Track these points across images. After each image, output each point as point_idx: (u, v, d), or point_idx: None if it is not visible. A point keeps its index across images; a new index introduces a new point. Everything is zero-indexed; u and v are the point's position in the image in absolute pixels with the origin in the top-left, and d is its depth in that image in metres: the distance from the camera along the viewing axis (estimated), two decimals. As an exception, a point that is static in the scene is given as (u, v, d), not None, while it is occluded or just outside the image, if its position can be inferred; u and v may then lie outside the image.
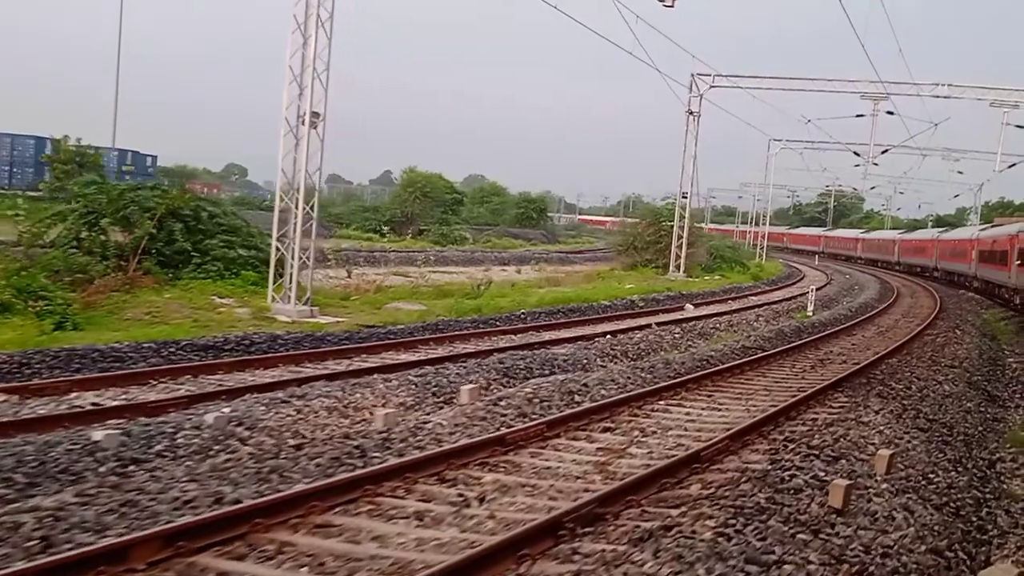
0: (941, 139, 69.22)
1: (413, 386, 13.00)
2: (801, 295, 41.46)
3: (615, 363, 17.78)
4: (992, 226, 47.67)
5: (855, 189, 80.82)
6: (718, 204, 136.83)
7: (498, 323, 21.85)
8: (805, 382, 15.73)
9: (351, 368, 14.35)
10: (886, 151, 48.50)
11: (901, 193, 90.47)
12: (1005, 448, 14.87)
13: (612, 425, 11.30)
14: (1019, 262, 33.54)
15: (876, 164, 66.88)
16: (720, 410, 12.95)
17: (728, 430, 11.04)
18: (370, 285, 25.98)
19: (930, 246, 60.14)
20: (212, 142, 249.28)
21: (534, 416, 11.31)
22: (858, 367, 17.69)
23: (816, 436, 10.78)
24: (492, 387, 14.01)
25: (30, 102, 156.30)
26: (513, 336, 20.29)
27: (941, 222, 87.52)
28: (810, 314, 31.51)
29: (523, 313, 23.68)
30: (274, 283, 19.77)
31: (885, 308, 36.33)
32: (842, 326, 27.21)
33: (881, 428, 11.76)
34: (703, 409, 12.94)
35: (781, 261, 78.97)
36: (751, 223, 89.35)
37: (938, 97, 43.17)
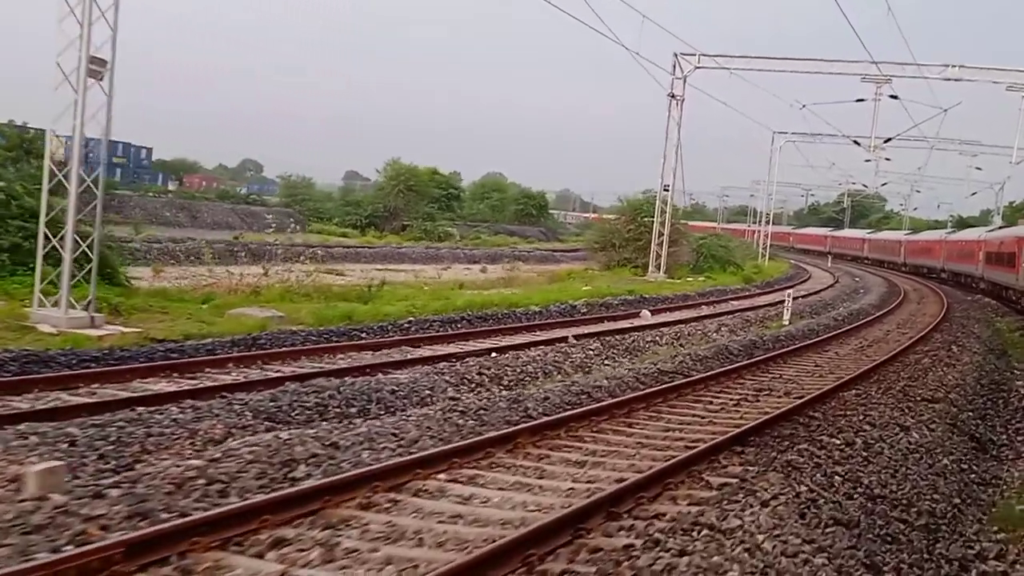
0: (955, 132, 63.21)
1: (67, 447, 8.31)
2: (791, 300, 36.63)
3: (472, 394, 13.08)
4: (1000, 228, 46.00)
5: (865, 186, 75.17)
6: (734, 203, 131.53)
7: (364, 335, 17.15)
8: (704, 432, 10.89)
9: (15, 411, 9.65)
10: (889, 140, 43.14)
11: (918, 191, 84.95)
12: (989, 533, 9.98)
13: (292, 535, 6.54)
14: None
15: (888, 160, 61.73)
16: (528, 491, 8.15)
17: (485, 543, 6.29)
18: (247, 285, 21.35)
19: (937, 247, 57.65)
20: (230, 141, 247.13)
21: (163, 518, 6.57)
22: (797, 404, 12.81)
23: (618, 570, 5.96)
24: (236, 434, 9.31)
25: (30, 101, 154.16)
26: (371, 352, 15.58)
27: (963, 224, 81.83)
28: (786, 323, 26.65)
29: (409, 322, 18.95)
30: (42, 282, 15.05)
31: (881, 315, 31.44)
32: (816, 339, 22.33)
33: (760, 541, 6.88)
34: (502, 488, 8.15)
35: (791, 262, 73.91)
36: (758, 222, 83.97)
37: (948, 80, 37.93)
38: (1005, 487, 12.06)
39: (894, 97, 38.18)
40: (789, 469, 8.99)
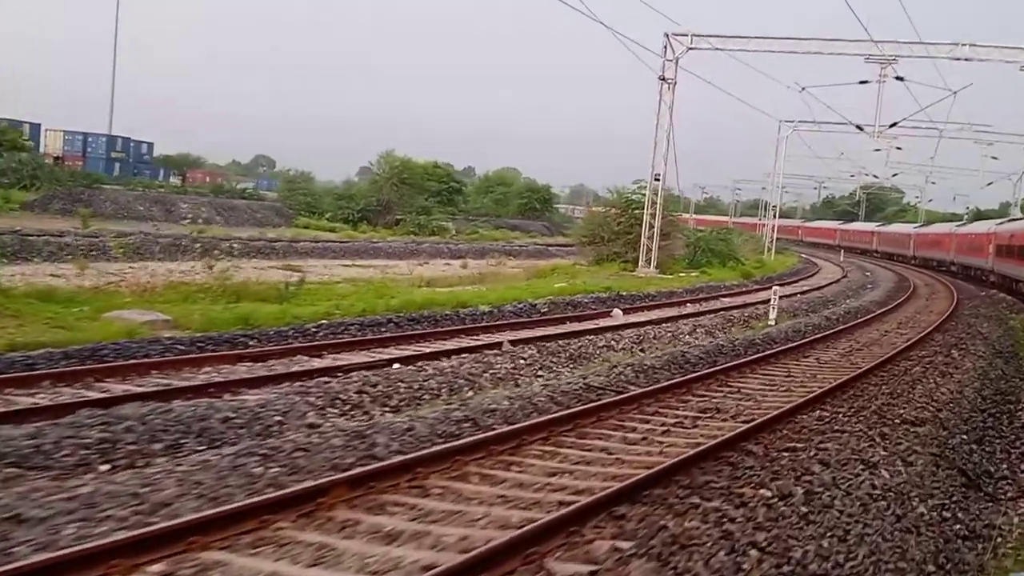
0: (966, 117, 58.48)
1: None
2: (787, 296, 33.81)
3: (343, 419, 10.47)
4: (1010, 220, 45.32)
5: (876, 176, 71.77)
6: (749, 197, 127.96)
7: (253, 342, 14.56)
8: (598, 479, 8.24)
9: None
10: (894, 125, 40.04)
11: (932, 183, 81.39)
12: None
13: None
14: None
15: (900, 149, 58.63)
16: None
17: None
18: (158, 282, 18.84)
19: (947, 240, 56.26)
20: (246, 136, 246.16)
21: None
22: (737, 433, 10.10)
23: None
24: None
25: (33, 94, 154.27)
26: (250, 364, 13.00)
27: (979, 217, 78.49)
28: (771, 323, 23.85)
29: (320, 326, 16.34)
30: None
31: (883, 313, 28.67)
32: (800, 342, 19.64)
33: None
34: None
35: (802, 256, 70.91)
36: (766, 215, 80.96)
37: (957, 59, 34.88)
38: (1000, 539, 9.32)
39: (899, 79, 35.15)
40: (675, 547, 6.27)
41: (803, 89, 37.45)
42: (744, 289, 36.13)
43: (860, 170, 74.06)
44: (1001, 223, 45.50)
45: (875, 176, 71.25)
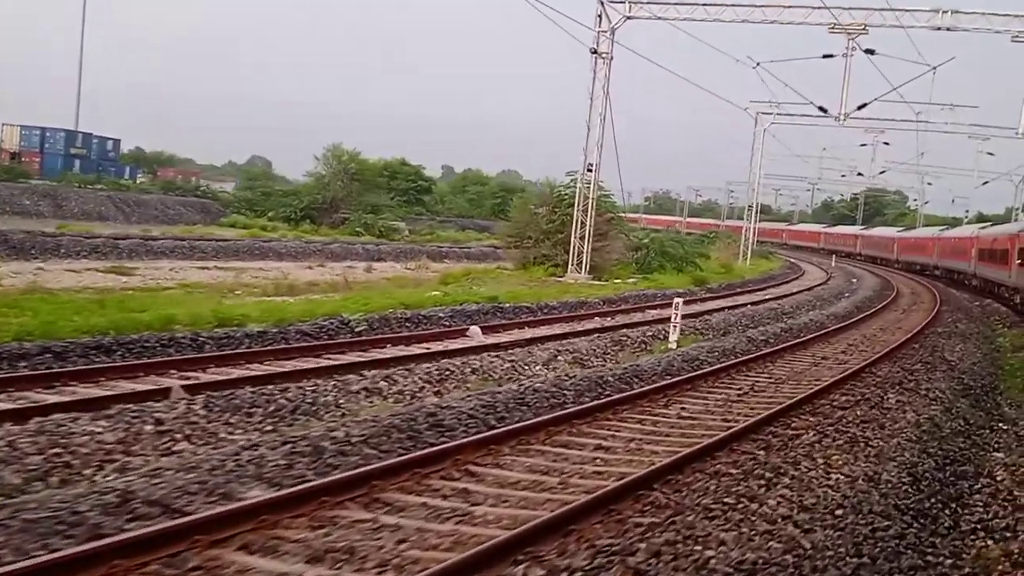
0: (951, 100, 50.24)
1: None
2: (732, 308, 27.92)
3: None
4: (992, 224, 45.93)
5: (861, 174, 65.56)
6: (743, 201, 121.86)
7: None
8: None
9: None
10: (864, 106, 33.83)
11: (929, 184, 75.21)
12: None
13: None
14: (1019, 261, 29.41)
15: (887, 144, 52.95)
16: None
17: None
18: None
19: (930, 244, 54.64)
20: (243, 136, 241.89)
21: None
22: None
23: None
24: None
25: (32, 95, 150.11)
26: None
27: (983, 221, 72.52)
28: (672, 346, 17.97)
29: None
30: None
31: (837, 330, 23.13)
32: (679, 378, 13.73)
33: None
34: None
35: (788, 261, 64.84)
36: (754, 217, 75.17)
37: (938, 29, 28.85)
38: None
39: (869, 52, 29.07)
40: None
41: (758, 64, 31.33)
42: (685, 299, 30.06)
43: (851, 168, 68.04)
44: (984, 227, 44.81)
45: (860, 174, 65.15)
